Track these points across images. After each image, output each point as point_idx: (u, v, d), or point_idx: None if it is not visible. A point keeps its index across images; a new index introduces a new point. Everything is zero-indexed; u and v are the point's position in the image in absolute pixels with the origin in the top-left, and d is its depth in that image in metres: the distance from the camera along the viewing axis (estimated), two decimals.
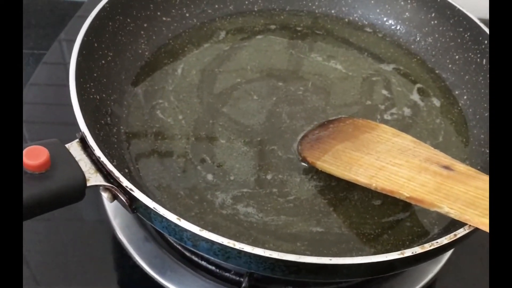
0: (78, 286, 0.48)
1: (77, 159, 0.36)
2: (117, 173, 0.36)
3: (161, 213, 0.35)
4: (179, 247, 0.48)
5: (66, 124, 0.64)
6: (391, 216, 0.45)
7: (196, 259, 0.47)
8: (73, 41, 0.74)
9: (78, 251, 0.50)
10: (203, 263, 0.47)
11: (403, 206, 0.46)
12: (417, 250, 0.35)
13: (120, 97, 0.50)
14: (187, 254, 0.47)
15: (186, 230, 0.35)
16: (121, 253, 0.48)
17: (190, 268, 0.47)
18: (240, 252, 0.34)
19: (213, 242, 0.35)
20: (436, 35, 0.59)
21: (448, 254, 0.50)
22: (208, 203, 0.44)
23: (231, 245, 0.34)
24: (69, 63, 0.71)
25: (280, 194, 0.46)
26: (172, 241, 0.48)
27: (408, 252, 0.35)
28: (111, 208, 0.50)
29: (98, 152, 0.37)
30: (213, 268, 0.47)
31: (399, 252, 0.35)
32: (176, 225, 0.35)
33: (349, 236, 0.44)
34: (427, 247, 0.36)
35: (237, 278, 0.46)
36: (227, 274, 0.46)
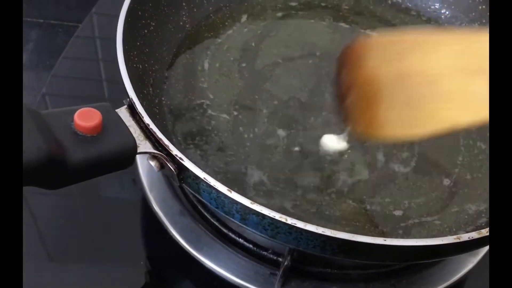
0: (113, 260, 0.47)
1: (127, 124, 0.35)
2: (166, 141, 0.35)
3: (211, 184, 0.34)
4: (216, 223, 0.47)
5: (94, 99, 0.63)
6: (438, 202, 0.44)
7: (233, 236, 0.46)
8: (105, 15, 0.74)
9: (110, 225, 0.50)
10: (240, 240, 0.46)
11: (449, 193, 0.45)
12: (474, 235, 0.34)
13: (161, 68, 0.49)
14: (224, 230, 0.46)
15: (237, 203, 0.34)
16: (156, 227, 0.47)
17: (227, 245, 0.46)
18: (291, 228, 0.33)
19: (264, 216, 0.34)
20: (484, 21, 0.57)
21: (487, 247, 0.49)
22: (249, 179, 0.43)
23: (283, 220, 0.33)
24: (99, 37, 0.71)
25: (323, 176, 0.45)
26: (209, 217, 0.47)
27: (465, 237, 0.34)
28: (147, 181, 0.49)
29: (147, 119, 0.36)
30: (250, 246, 0.46)
31: (455, 236, 0.34)
32: (226, 196, 0.34)
33: (394, 219, 0.43)
34: (484, 232, 0.34)
35: (275, 258, 0.45)
36: (264, 253, 0.45)
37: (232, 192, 0.34)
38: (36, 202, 0.51)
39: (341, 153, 0.46)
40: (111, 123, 0.34)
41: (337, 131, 0.48)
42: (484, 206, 0.44)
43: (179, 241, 0.46)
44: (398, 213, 0.43)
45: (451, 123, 0.36)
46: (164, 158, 0.36)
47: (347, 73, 0.41)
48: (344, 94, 0.42)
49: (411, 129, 0.38)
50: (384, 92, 0.39)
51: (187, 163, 0.35)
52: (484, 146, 0.49)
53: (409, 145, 0.47)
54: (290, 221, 0.33)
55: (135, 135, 0.35)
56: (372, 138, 0.43)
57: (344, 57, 0.41)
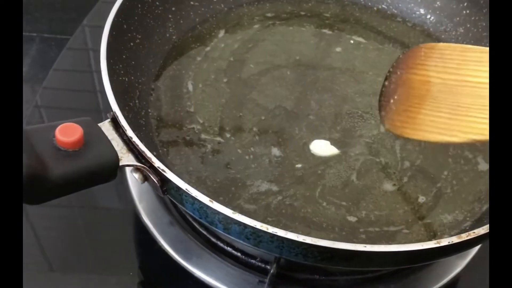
0: (103, 271, 0.48)
1: (109, 138, 0.36)
2: (149, 154, 0.36)
3: (193, 194, 0.35)
4: (205, 233, 0.47)
5: (88, 110, 0.64)
6: (421, 207, 0.44)
7: (221, 245, 0.46)
8: (97, 27, 0.74)
9: (101, 236, 0.50)
10: (229, 249, 0.46)
11: (433, 197, 0.45)
12: (454, 239, 0.35)
13: (148, 80, 0.50)
14: (213, 239, 0.47)
15: (218, 213, 0.34)
16: (146, 238, 0.48)
17: (216, 255, 0.46)
18: (273, 236, 0.34)
19: (245, 226, 0.34)
20: (468, 25, 0.58)
21: (475, 249, 0.49)
22: (236, 189, 0.44)
23: (264, 229, 0.34)
24: (92, 49, 0.72)
25: (309, 183, 0.45)
26: (198, 226, 0.47)
27: (444, 242, 0.34)
28: (137, 192, 0.50)
29: (130, 133, 0.37)
30: (239, 254, 0.46)
31: (435, 241, 0.34)
32: (208, 207, 0.35)
33: (379, 224, 0.43)
34: (464, 237, 0.35)
35: (263, 265, 0.45)
36: (253, 261, 0.46)
37: (214, 202, 0.35)
38: (32, 210, 0.51)
39: (328, 159, 0.47)
40: (93, 137, 0.34)
41: (325, 138, 0.48)
42: (462, 215, 0.44)
43: (169, 252, 0.47)
44: (379, 219, 0.43)
45: (484, 136, 0.37)
46: (147, 170, 0.36)
47: (401, 74, 0.44)
48: (391, 91, 0.44)
49: (444, 134, 0.40)
50: (431, 96, 0.41)
51: (169, 174, 0.35)
52: (471, 155, 0.49)
53: (400, 157, 0.48)
54: (271, 230, 0.34)
55: (117, 148, 0.36)
56: (404, 136, 0.43)
57: (403, 59, 0.44)
